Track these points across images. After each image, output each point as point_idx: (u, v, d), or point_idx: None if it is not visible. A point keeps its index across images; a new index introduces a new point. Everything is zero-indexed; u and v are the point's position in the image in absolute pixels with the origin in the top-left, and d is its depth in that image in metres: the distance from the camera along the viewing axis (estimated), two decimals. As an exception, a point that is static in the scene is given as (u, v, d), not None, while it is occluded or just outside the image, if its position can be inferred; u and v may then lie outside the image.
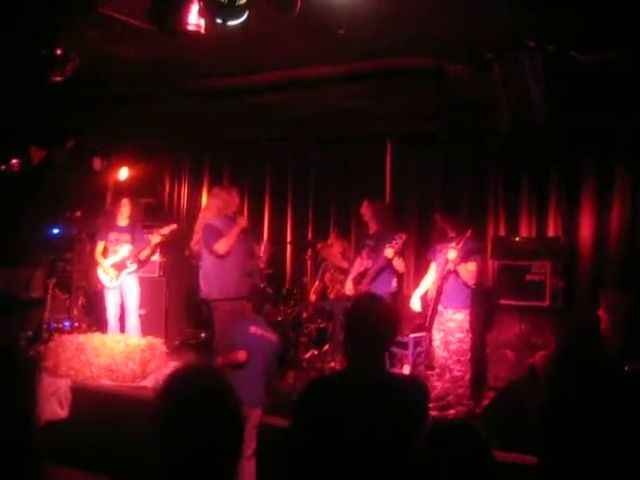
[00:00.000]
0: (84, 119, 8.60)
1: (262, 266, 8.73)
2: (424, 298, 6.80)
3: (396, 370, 7.58)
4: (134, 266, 8.40)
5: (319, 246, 8.47)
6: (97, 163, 9.69)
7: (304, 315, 8.29)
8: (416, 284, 7.65)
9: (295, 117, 8.11)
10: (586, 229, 7.92)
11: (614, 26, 5.21)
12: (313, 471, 2.89)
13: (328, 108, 7.49)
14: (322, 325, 8.57)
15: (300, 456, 2.91)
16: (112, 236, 8.50)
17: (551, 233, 8.12)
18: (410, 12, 5.08)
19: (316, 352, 8.40)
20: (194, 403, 1.88)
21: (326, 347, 8.40)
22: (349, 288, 7.28)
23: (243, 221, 7.37)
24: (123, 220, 8.54)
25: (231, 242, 7.20)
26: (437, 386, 6.65)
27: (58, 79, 5.34)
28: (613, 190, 7.77)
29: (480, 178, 8.59)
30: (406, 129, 8.59)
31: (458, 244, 6.37)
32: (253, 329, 5.75)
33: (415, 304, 6.87)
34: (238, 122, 8.54)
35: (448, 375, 6.56)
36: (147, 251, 8.52)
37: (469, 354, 6.56)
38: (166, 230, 8.44)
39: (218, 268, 7.23)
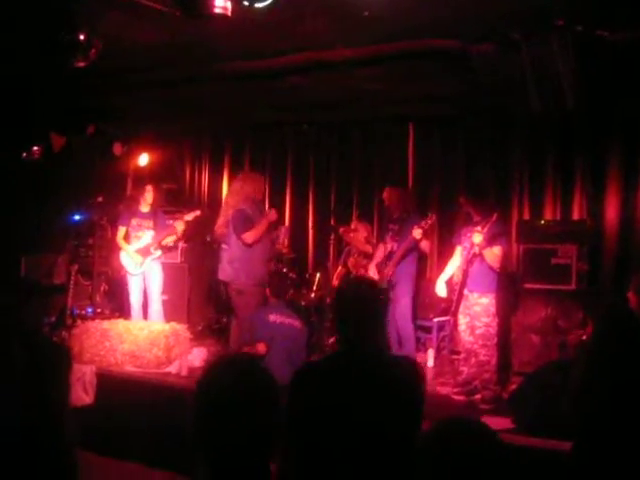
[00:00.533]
0: (104, 105, 8.57)
1: (284, 250, 8.71)
2: (449, 282, 6.74)
3: (420, 354, 7.55)
4: (158, 252, 8.40)
5: (342, 230, 8.39)
6: (117, 149, 9.68)
7: (327, 300, 8.24)
8: (439, 268, 7.61)
9: (318, 100, 8.04)
10: (611, 212, 7.82)
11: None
12: (308, 456, 2.87)
13: (351, 91, 7.41)
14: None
15: (294, 442, 2.87)
16: (134, 222, 8.47)
17: (576, 216, 8.03)
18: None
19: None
20: (232, 390, 1.88)
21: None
22: (373, 272, 7.24)
23: (273, 215, 7.46)
24: (145, 206, 8.51)
25: (260, 233, 7.26)
26: (463, 371, 6.63)
27: (81, 64, 5.30)
28: (639, 173, 7.66)
29: (504, 161, 8.50)
30: (429, 112, 8.51)
31: (484, 228, 6.31)
32: (273, 317, 5.67)
33: (440, 289, 6.81)
34: (259, 106, 8.48)
35: (474, 360, 6.50)
36: (172, 237, 8.51)
37: (495, 339, 6.50)
38: (190, 216, 8.40)
39: (247, 254, 7.27)
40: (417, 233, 6.70)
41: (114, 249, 8.80)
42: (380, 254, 7.36)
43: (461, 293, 6.51)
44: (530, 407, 5.44)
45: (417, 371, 3.14)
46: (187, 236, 9.21)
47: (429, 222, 6.82)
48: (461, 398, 6.51)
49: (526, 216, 8.29)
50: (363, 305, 3.03)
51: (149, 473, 5.12)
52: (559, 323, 7.25)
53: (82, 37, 5.07)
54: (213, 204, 10.53)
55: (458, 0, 5.17)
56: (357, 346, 3.00)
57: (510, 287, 7.35)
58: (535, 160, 8.28)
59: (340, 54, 5.98)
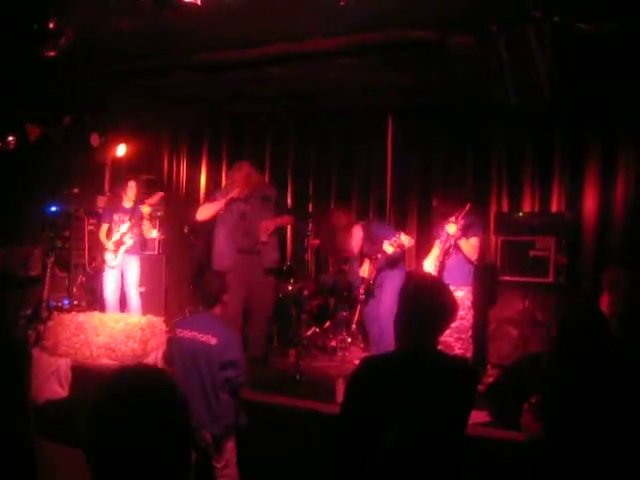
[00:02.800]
0: (81, 95, 8.47)
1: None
2: None
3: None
4: (131, 241, 8.33)
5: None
6: (94, 139, 9.55)
7: (305, 292, 8.20)
8: (418, 262, 7.59)
9: (295, 91, 8.01)
10: (590, 204, 7.83)
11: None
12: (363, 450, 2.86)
13: (329, 82, 7.38)
14: (323, 302, 8.50)
15: (350, 435, 2.89)
16: (116, 217, 8.47)
17: (554, 209, 8.02)
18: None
19: (317, 329, 8.35)
20: (126, 403, 1.75)
21: (327, 324, 8.35)
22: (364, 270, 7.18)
23: (235, 192, 7.35)
24: (128, 202, 8.48)
25: (211, 210, 7.34)
26: None
27: (52, 54, 5.21)
28: (617, 165, 7.68)
29: (483, 153, 8.48)
30: (408, 103, 8.47)
31: (457, 218, 6.31)
32: (179, 332, 5.04)
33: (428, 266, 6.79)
34: (238, 96, 8.42)
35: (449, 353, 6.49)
36: (146, 224, 8.45)
37: (470, 331, 6.52)
38: (153, 199, 8.36)
39: (214, 241, 7.49)
40: (387, 249, 6.58)
41: (98, 245, 8.78)
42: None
43: None
44: (507, 400, 5.43)
45: (475, 373, 3.23)
46: (163, 227, 9.20)
47: (396, 241, 6.57)
48: None
49: (505, 208, 8.29)
50: (439, 308, 3.00)
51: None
52: (537, 316, 7.26)
53: (52, 25, 4.97)
54: (191, 195, 10.49)
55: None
56: (422, 346, 2.98)
57: (487, 279, 7.34)
58: (514, 152, 8.28)
59: (317, 45, 5.93)
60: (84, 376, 6.95)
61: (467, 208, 6.38)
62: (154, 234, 9.00)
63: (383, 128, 8.99)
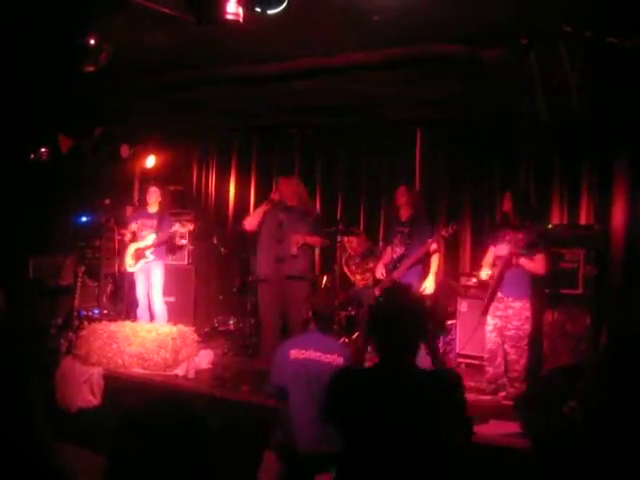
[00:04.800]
0: (111, 107, 8.59)
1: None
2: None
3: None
4: (152, 257, 8.51)
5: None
6: (124, 151, 9.69)
7: (335, 303, 8.25)
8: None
9: (325, 104, 8.05)
10: (619, 217, 7.79)
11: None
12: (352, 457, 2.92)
13: (359, 95, 7.42)
14: (352, 312, 8.55)
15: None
16: (140, 222, 8.69)
17: (583, 221, 8.02)
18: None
19: (346, 339, 8.38)
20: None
21: (356, 334, 8.39)
22: (381, 273, 7.35)
23: (275, 194, 7.53)
24: (153, 207, 8.62)
25: (256, 217, 7.47)
26: (489, 371, 6.76)
27: (91, 69, 5.31)
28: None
29: (511, 166, 8.50)
30: (437, 116, 8.51)
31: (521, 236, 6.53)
32: (294, 353, 4.76)
33: (484, 274, 6.90)
34: (267, 109, 8.49)
35: (499, 360, 6.66)
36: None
37: (526, 340, 6.61)
38: (185, 226, 8.78)
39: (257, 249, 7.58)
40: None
41: (121, 248, 9.02)
42: (388, 256, 7.41)
43: (493, 296, 6.63)
44: (537, 412, 5.43)
45: (453, 383, 3.05)
46: (192, 238, 9.37)
47: (450, 231, 6.96)
48: (486, 397, 6.62)
49: (534, 220, 8.28)
50: (399, 317, 2.95)
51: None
52: (566, 327, 7.24)
53: (92, 42, 5.08)
54: (220, 206, 10.58)
55: (467, 5, 5.18)
56: (391, 359, 2.95)
57: (542, 292, 7.32)
58: (542, 165, 8.28)
59: (349, 59, 5.99)
60: (116, 385, 7.04)
61: (516, 224, 6.62)
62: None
63: (412, 141, 9.04)
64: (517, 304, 6.56)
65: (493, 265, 6.81)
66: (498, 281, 6.60)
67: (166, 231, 8.55)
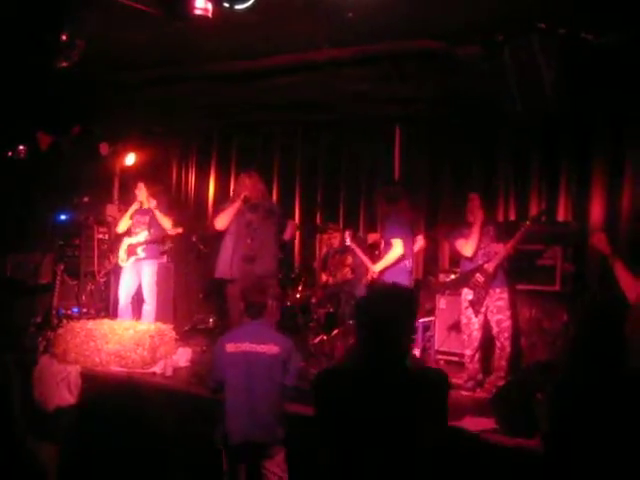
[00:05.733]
0: (91, 104, 8.56)
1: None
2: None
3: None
4: (143, 254, 8.45)
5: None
6: (104, 149, 9.68)
7: (313, 300, 8.26)
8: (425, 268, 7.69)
9: (304, 100, 8.05)
10: (596, 213, 7.84)
11: (626, 6, 5.13)
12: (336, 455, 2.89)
13: (338, 91, 7.43)
14: (331, 310, 8.54)
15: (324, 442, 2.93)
16: (135, 218, 8.63)
17: (561, 218, 8.05)
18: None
19: (325, 337, 8.37)
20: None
21: (335, 332, 8.38)
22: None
23: (246, 192, 7.35)
24: (146, 203, 8.63)
25: (229, 216, 7.32)
26: (469, 367, 6.83)
27: (64, 65, 5.28)
28: (623, 174, 7.69)
29: (490, 162, 8.52)
30: (415, 113, 8.52)
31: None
32: (230, 347, 4.91)
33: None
34: (247, 106, 8.48)
35: (478, 356, 6.77)
36: (159, 215, 8.58)
37: (511, 330, 6.76)
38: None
39: (221, 247, 7.44)
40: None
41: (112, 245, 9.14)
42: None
43: (488, 290, 6.73)
44: (513, 408, 5.46)
45: (439, 384, 2.98)
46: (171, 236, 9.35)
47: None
48: (467, 393, 6.67)
49: (512, 217, 8.31)
50: (383, 313, 2.91)
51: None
52: (543, 324, 7.28)
53: (64, 37, 5.05)
54: (199, 204, 10.56)
55: (443, 2, 5.20)
56: (375, 355, 2.91)
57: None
58: (521, 162, 8.30)
59: (326, 54, 5.99)
60: (94, 383, 7.01)
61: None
62: (168, 224, 9.03)
63: (391, 137, 9.04)
64: (505, 295, 6.73)
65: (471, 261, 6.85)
66: (489, 279, 6.70)
67: (158, 229, 8.52)
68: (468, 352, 6.88)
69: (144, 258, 8.50)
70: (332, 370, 3.54)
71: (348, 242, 7.54)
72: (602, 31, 5.39)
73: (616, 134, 7.69)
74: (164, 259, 9.41)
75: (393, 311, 2.93)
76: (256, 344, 4.86)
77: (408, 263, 7.15)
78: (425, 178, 8.97)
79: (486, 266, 6.73)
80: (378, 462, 2.80)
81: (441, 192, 8.79)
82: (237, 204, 7.38)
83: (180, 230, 8.69)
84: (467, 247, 6.89)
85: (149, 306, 8.47)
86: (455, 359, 7.55)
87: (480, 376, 6.76)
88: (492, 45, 5.51)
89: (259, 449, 4.88)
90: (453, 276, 8.09)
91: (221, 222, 7.51)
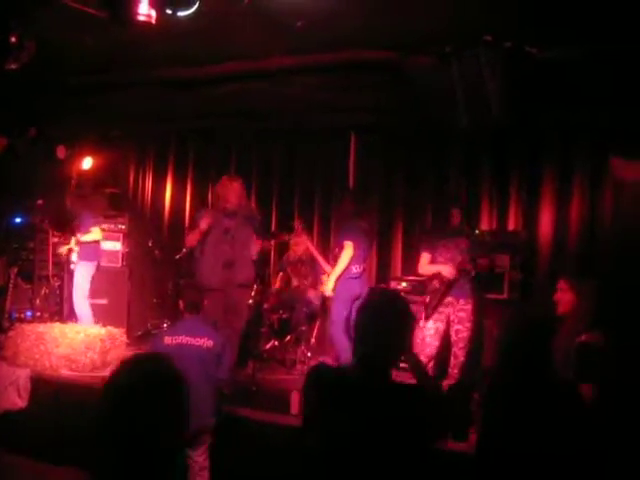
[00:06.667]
0: (46, 107, 8.52)
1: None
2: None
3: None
4: (74, 258, 8.63)
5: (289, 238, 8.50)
6: (61, 152, 9.66)
7: (265, 306, 8.30)
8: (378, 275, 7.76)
9: (257, 108, 8.07)
10: (545, 223, 7.99)
11: (569, 23, 5.27)
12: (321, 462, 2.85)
13: (289, 99, 7.47)
14: (284, 316, 8.59)
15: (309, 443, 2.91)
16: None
17: (512, 227, 8.19)
18: (370, 4, 5.11)
19: (277, 343, 8.43)
20: (135, 388, 1.98)
21: (287, 338, 8.44)
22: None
23: (204, 223, 7.08)
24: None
25: (195, 237, 7.13)
26: None
27: (13, 66, 5.28)
28: (572, 185, 7.85)
29: (442, 172, 8.62)
30: (368, 122, 8.59)
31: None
32: (167, 340, 5.21)
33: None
34: (201, 112, 8.50)
35: (432, 363, 6.80)
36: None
37: (467, 341, 6.78)
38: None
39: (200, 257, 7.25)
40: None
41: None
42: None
43: (443, 300, 6.73)
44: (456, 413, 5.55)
45: (432, 401, 2.92)
46: (127, 240, 9.41)
47: None
48: None
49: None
50: (379, 319, 2.88)
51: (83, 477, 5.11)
52: (493, 331, 7.38)
53: (13, 39, 5.06)
54: (156, 209, 10.54)
55: (393, 13, 5.27)
56: (368, 361, 2.86)
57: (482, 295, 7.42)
58: (472, 171, 8.42)
59: (276, 62, 6.05)
60: (43, 387, 6.97)
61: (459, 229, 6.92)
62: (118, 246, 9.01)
63: (346, 147, 9.12)
64: (469, 307, 6.74)
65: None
66: (447, 289, 6.71)
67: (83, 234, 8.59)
68: (423, 359, 6.89)
69: (77, 261, 8.59)
70: (328, 368, 3.52)
71: (296, 226, 7.57)
72: (546, 45, 5.51)
73: (564, 144, 7.86)
74: (114, 265, 9.42)
75: (390, 318, 2.90)
76: (191, 337, 5.15)
77: (355, 269, 7.22)
78: (379, 185, 9.03)
79: (444, 273, 6.76)
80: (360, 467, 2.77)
81: (394, 200, 8.86)
82: (197, 234, 7.16)
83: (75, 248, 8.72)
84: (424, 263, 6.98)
85: (78, 308, 8.46)
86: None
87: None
88: (441, 57, 5.61)
89: (189, 437, 5.02)
90: (404, 284, 8.18)
91: (189, 241, 7.33)
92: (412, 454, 2.75)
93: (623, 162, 6.78)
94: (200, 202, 10.00)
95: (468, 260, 6.69)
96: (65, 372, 7.20)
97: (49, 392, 6.94)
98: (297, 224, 7.99)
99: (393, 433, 2.73)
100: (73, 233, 8.74)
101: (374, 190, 9.04)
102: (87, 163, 10.06)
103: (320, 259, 8.01)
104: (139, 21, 4.15)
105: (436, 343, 6.74)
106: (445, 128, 7.25)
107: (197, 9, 4.03)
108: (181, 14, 4.04)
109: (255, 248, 7.47)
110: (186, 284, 5.99)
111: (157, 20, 4.20)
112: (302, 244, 8.45)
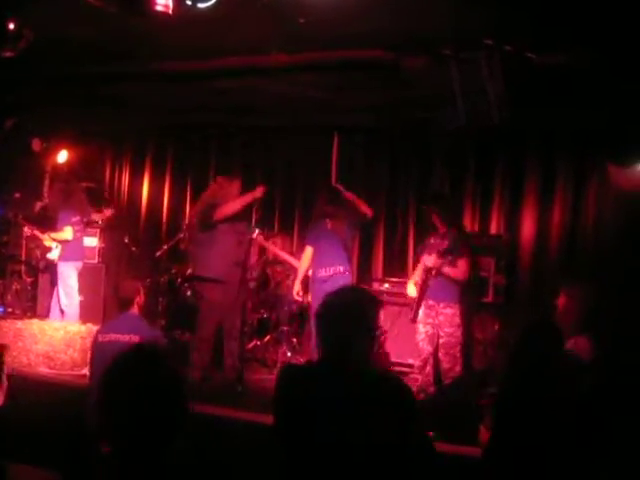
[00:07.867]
0: (24, 98, 8.34)
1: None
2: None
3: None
4: (54, 256, 8.41)
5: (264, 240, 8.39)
6: (36, 144, 9.49)
7: (248, 305, 8.21)
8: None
9: (245, 104, 7.98)
10: (528, 227, 8.06)
11: (568, 29, 5.29)
12: (294, 463, 2.83)
13: (282, 97, 7.40)
14: (265, 315, 8.53)
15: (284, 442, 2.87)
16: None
17: (494, 230, 8.23)
18: (371, 5, 5.07)
19: (258, 342, 8.37)
20: (134, 382, 2.07)
21: (268, 337, 8.39)
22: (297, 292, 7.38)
23: (259, 191, 7.10)
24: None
25: (232, 209, 7.03)
26: (418, 379, 6.72)
27: (8, 54, 5.15)
28: (555, 189, 7.93)
29: (425, 174, 8.64)
30: (356, 122, 8.58)
31: (442, 245, 6.46)
32: (99, 337, 5.34)
33: (411, 290, 6.84)
34: (186, 107, 8.38)
35: (428, 368, 6.66)
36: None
37: (458, 347, 6.62)
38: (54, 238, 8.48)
39: (205, 250, 7.15)
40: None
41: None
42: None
43: (419, 303, 6.58)
44: (447, 415, 5.55)
45: (402, 392, 2.86)
46: (103, 236, 9.27)
47: None
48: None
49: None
50: (343, 315, 2.85)
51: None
52: (476, 334, 7.42)
53: (12, 26, 4.93)
54: (132, 204, 10.40)
55: (393, 13, 5.25)
56: (334, 358, 2.84)
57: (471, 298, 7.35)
58: (455, 174, 8.45)
59: (274, 60, 5.98)
60: (22, 384, 6.81)
61: (444, 232, 6.60)
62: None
63: (329, 146, 9.07)
64: (448, 310, 6.54)
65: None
66: (423, 289, 6.58)
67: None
68: (417, 362, 6.83)
69: (58, 260, 8.42)
70: (297, 367, 3.51)
71: (255, 235, 7.32)
72: (545, 51, 5.53)
73: (549, 151, 7.93)
74: (89, 261, 9.27)
75: (351, 313, 2.87)
76: (120, 334, 5.22)
77: (324, 271, 7.13)
78: (360, 188, 8.97)
79: (427, 263, 6.65)
80: (336, 467, 2.73)
81: (376, 200, 8.82)
82: (252, 196, 7.11)
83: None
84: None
85: (64, 307, 8.33)
86: (405, 370, 7.43)
87: (432, 389, 6.62)
88: (440, 58, 5.60)
89: None
90: (387, 285, 8.18)
91: (223, 213, 7.06)
92: (387, 436, 2.70)
93: (618, 169, 6.82)
94: (178, 198, 9.92)
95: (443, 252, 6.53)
96: (44, 370, 7.05)
97: (27, 390, 6.78)
98: (255, 234, 7.63)
99: (374, 421, 2.70)
100: (45, 230, 8.52)
101: (356, 189, 8.98)
102: (62, 156, 9.87)
103: (292, 261, 7.99)
104: (156, 11, 4.06)
105: (429, 348, 6.63)
106: (436, 130, 7.25)
107: (216, 1, 3.96)
108: (202, 5, 3.96)
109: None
110: (121, 283, 6.04)
111: (174, 11, 4.12)
112: (269, 249, 8.48)
